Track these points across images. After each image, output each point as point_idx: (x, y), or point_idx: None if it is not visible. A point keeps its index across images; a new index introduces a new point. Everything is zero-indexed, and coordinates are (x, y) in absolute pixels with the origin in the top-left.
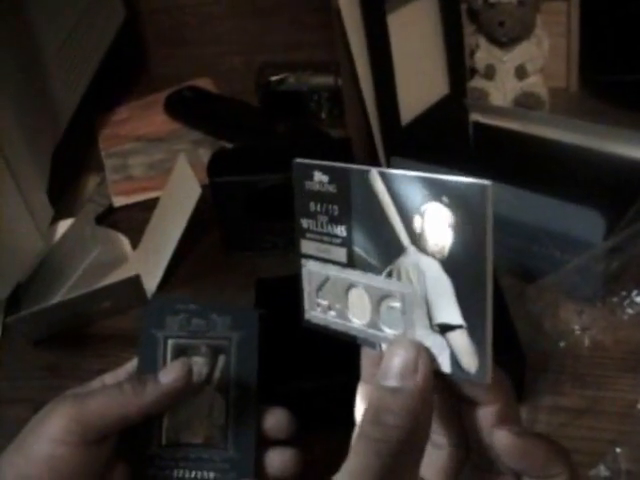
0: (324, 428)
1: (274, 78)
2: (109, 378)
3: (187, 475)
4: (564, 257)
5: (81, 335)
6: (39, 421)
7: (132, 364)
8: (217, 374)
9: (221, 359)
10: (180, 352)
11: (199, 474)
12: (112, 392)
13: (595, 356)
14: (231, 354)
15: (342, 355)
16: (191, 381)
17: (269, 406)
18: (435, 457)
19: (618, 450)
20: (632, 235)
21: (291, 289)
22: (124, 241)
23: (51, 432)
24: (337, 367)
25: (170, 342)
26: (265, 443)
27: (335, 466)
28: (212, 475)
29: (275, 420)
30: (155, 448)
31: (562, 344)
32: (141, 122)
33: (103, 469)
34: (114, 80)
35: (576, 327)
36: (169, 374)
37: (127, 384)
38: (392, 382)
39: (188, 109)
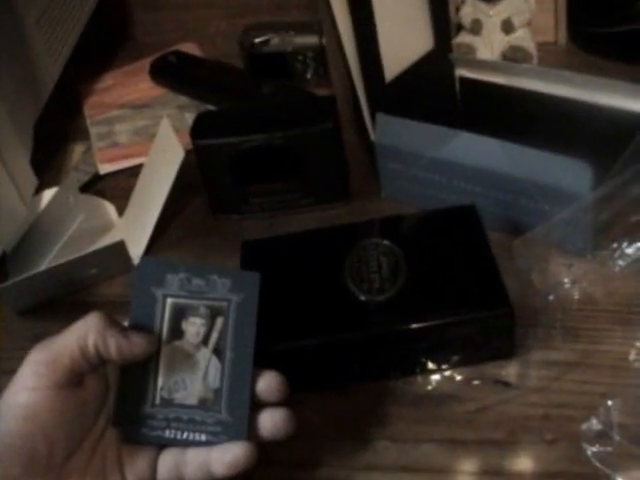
0: (315, 389)
1: (258, 40)
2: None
3: (179, 436)
4: (552, 210)
5: (68, 303)
6: (14, 376)
7: None
8: (214, 336)
9: (219, 321)
10: (179, 312)
11: (191, 435)
12: (76, 325)
13: (585, 309)
14: (229, 316)
15: (327, 315)
16: (150, 352)
17: (261, 369)
18: None
19: (610, 403)
20: (620, 185)
21: (277, 250)
22: (110, 208)
23: (22, 381)
24: (324, 327)
25: (169, 301)
26: (256, 405)
27: (326, 426)
28: (204, 437)
29: (267, 383)
30: (148, 408)
31: (551, 297)
32: (126, 89)
33: (87, 423)
34: (98, 47)
35: (565, 280)
36: (138, 336)
37: (93, 316)
38: None
39: (173, 74)
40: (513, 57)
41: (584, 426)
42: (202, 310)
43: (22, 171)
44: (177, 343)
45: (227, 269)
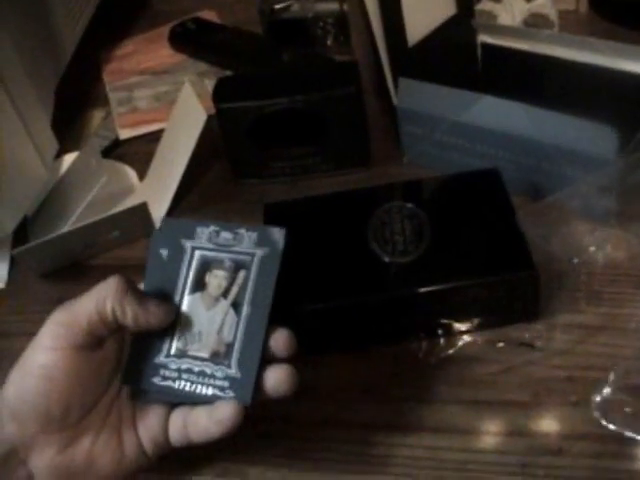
0: (338, 351)
1: (278, 6)
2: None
3: (187, 388)
4: (575, 174)
5: (89, 267)
6: (35, 337)
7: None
8: (234, 289)
9: (241, 274)
10: (204, 264)
11: (198, 388)
12: (96, 288)
13: (609, 273)
14: (251, 270)
15: (350, 277)
16: (167, 322)
17: (273, 325)
18: None
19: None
20: None
21: (300, 212)
22: (130, 173)
23: (41, 341)
24: (347, 288)
25: (197, 253)
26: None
27: (349, 387)
28: (210, 391)
29: (275, 339)
30: (163, 357)
31: (576, 261)
32: (146, 55)
33: (103, 383)
34: (118, 14)
35: (589, 244)
36: (156, 306)
37: (113, 279)
38: None
39: (192, 41)
40: (534, 24)
41: (596, 399)
42: (226, 263)
43: (43, 135)
44: (198, 294)
45: (256, 224)
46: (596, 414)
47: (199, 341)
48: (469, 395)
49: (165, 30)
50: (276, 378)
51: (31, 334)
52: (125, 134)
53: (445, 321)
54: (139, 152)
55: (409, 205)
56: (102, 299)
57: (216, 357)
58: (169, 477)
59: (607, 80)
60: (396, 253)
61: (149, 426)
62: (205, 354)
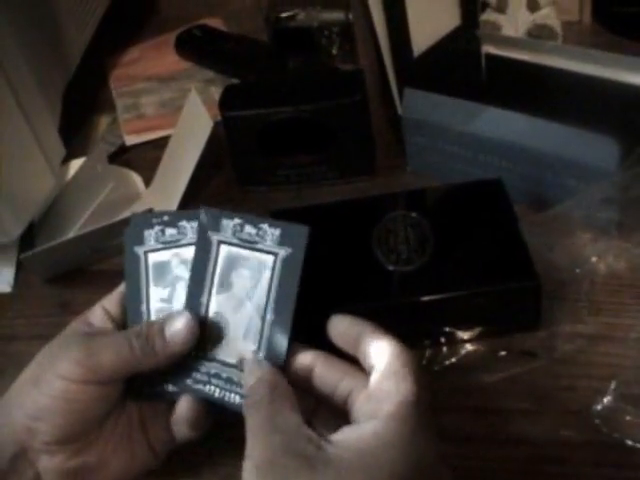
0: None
1: (284, 15)
2: (107, 304)
3: (216, 394)
4: (578, 185)
5: (95, 272)
6: (52, 359)
7: (122, 287)
8: (258, 292)
9: (265, 275)
10: (230, 262)
11: (226, 396)
12: (122, 349)
13: (611, 284)
14: (274, 272)
15: (354, 284)
16: (196, 330)
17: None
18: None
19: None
20: None
21: (305, 220)
22: (137, 179)
23: (63, 373)
24: (351, 296)
25: (223, 248)
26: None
27: None
28: (237, 400)
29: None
30: (192, 359)
31: (578, 271)
32: (152, 62)
33: (115, 402)
34: (125, 21)
35: (591, 255)
36: (177, 336)
37: (136, 342)
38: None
39: (199, 48)
40: (538, 35)
41: (597, 407)
42: (251, 262)
43: (50, 140)
44: (224, 295)
45: (278, 220)
46: (597, 423)
47: (227, 345)
48: (471, 403)
49: (172, 37)
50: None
51: (38, 337)
52: (131, 140)
53: (448, 329)
54: (145, 158)
55: (413, 214)
56: (130, 363)
57: (242, 364)
58: None
59: (610, 92)
60: (400, 261)
61: (157, 426)
62: (232, 360)
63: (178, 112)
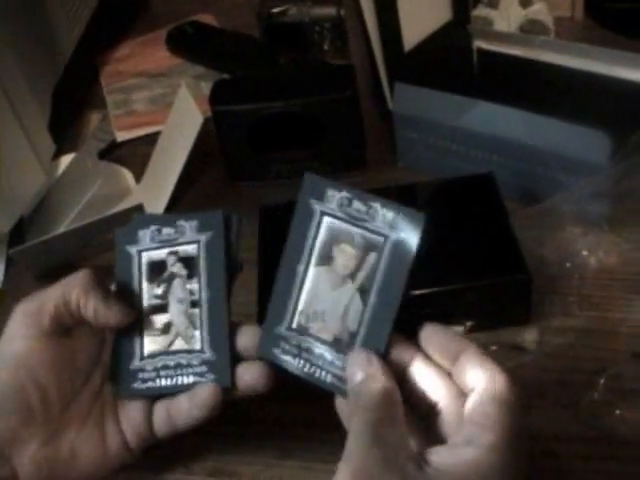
0: None
1: (275, 10)
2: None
3: (305, 369)
4: (569, 180)
5: (85, 267)
6: (4, 329)
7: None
8: (362, 273)
9: (372, 257)
10: (333, 234)
11: (317, 372)
12: (64, 279)
13: (601, 278)
14: (383, 254)
15: None
16: (126, 324)
17: (243, 325)
18: None
19: (621, 370)
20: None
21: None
22: (127, 175)
23: (11, 332)
24: None
25: (326, 219)
26: (237, 359)
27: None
28: (329, 379)
29: (246, 335)
30: (285, 329)
31: (568, 265)
32: (143, 58)
33: (80, 375)
34: (116, 17)
35: (582, 249)
36: (120, 305)
37: (80, 273)
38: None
39: (190, 44)
40: (530, 30)
41: (586, 402)
42: (357, 239)
43: (40, 136)
44: (324, 269)
45: (392, 201)
46: (587, 417)
47: (322, 321)
48: None
49: (162, 33)
50: (252, 375)
51: None
52: (122, 136)
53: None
54: (136, 154)
55: None
56: (69, 288)
57: (338, 344)
58: (160, 476)
59: (601, 86)
60: None
61: (132, 419)
62: (328, 337)
63: (169, 108)
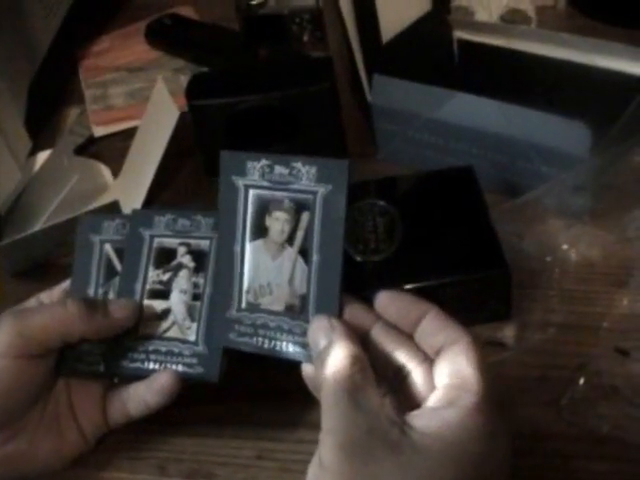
0: None
1: (254, 2)
2: (44, 297)
3: (266, 345)
4: (550, 172)
5: (62, 265)
6: None
7: (65, 284)
8: (300, 234)
9: (305, 216)
10: (262, 206)
11: (277, 345)
12: (57, 310)
13: (583, 272)
14: (316, 211)
15: None
16: (137, 314)
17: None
18: None
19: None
20: (622, 152)
21: None
22: (104, 170)
23: None
24: None
25: (251, 192)
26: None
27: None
28: (292, 348)
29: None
30: (235, 311)
31: (549, 259)
32: (122, 52)
33: (45, 382)
34: (95, 10)
35: (563, 242)
36: (120, 311)
37: (72, 305)
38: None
39: (169, 37)
40: (512, 20)
41: (567, 399)
42: (286, 203)
43: (16, 133)
44: (260, 241)
45: (313, 157)
46: (567, 414)
47: (270, 294)
48: None
49: (142, 26)
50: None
51: None
52: (100, 131)
53: None
54: (114, 149)
55: (381, 203)
56: (67, 325)
57: (291, 311)
58: (135, 477)
59: (582, 76)
60: (368, 251)
61: (87, 410)
62: (279, 307)
63: (147, 102)
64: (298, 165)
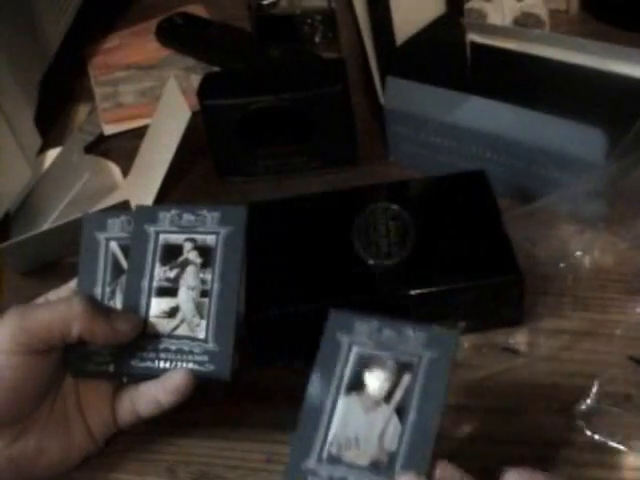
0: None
1: (266, 2)
2: (52, 296)
3: None
4: (563, 177)
5: (71, 264)
6: None
7: (73, 283)
8: (398, 393)
9: (406, 378)
10: (363, 362)
11: None
12: (61, 307)
13: (596, 278)
14: (418, 374)
15: (333, 279)
16: (139, 330)
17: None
18: None
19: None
20: (636, 158)
21: (284, 212)
22: (114, 169)
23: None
24: (330, 290)
25: (355, 350)
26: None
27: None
28: None
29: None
30: (314, 463)
31: (562, 265)
32: (132, 50)
33: (51, 379)
34: (105, 8)
35: (576, 249)
36: (122, 323)
37: (79, 304)
38: None
39: (179, 36)
40: (525, 23)
41: (580, 407)
42: (389, 363)
43: (26, 130)
44: (355, 396)
45: (424, 325)
46: (580, 422)
47: (357, 447)
48: (452, 401)
49: (152, 24)
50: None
51: None
52: (110, 130)
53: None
54: (124, 148)
55: (394, 206)
56: (68, 322)
57: (376, 467)
58: (146, 479)
59: (597, 82)
60: (380, 255)
61: (96, 409)
62: (364, 462)
63: (157, 101)
64: (407, 331)
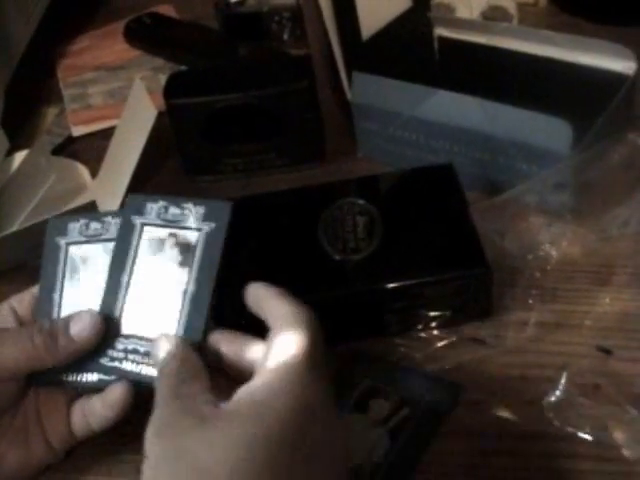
0: None
1: (234, 0)
2: (15, 301)
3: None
4: (531, 169)
5: (37, 268)
6: None
7: (35, 289)
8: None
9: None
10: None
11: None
12: (24, 344)
13: (564, 269)
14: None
15: (301, 275)
16: (101, 330)
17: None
18: None
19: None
20: (603, 149)
21: (251, 210)
22: (83, 170)
23: None
24: (298, 287)
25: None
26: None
27: None
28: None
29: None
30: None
31: (530, 257)
32: (101, 51)
33: (15, 397)
34: (74, 8)
35: (544, 240)
36: (82, 332)
37: (38, 338)
38: None
39: (148, 36)
40: (493, 17)
41: (549, 398)
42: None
43: None
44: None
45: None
46: (549, 414)
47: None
48: None
49: (121, 25)
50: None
51: None
52: (78, 131)
53: (397, 319)
54: (92, 149)
55: (361, 201)
56: (35, 360)
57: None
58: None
59: (563, 73)
60: (347, 250)
61: (53, 422)
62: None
63: (126, 102)
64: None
